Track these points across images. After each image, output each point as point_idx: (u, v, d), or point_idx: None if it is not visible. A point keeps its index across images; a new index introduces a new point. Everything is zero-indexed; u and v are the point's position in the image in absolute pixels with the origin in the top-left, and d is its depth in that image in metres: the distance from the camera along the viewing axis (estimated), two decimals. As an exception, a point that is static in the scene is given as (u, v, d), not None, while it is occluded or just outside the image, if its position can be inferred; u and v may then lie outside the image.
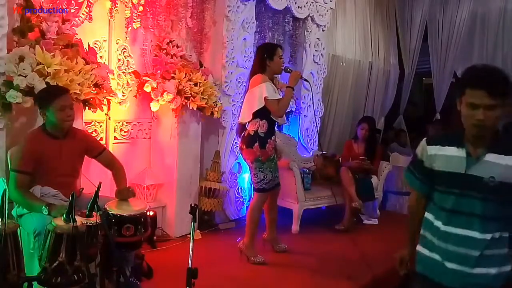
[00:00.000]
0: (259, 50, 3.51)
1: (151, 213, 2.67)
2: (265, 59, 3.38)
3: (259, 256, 3.41)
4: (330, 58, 6.12)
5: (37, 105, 2.59)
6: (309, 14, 5.11)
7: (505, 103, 1.65)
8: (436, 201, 1.83)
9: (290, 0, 4.78)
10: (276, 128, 3.58)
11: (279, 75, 3.68)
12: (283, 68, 3.49)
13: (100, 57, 3.38)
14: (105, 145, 2.95)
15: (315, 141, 5.58)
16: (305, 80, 3.76)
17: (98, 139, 3.45)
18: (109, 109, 3.27)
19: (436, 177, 1.81)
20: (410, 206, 2.05)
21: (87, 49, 3.14)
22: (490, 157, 1.69)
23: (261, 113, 3.32)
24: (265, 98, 3.26)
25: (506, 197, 1.69)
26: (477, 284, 1.73)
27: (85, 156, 2.80)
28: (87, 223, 2.18)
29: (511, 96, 1.67)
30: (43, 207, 2.33)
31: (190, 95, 3.69)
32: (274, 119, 3.37)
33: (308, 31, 5.22)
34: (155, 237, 3.53)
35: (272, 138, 3.40)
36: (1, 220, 1.95)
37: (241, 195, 4.65)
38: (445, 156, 1.78)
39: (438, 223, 1.81)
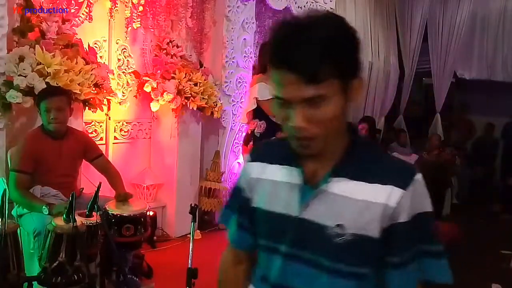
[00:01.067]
0: (260, 48, 3.47)
1: (151, 213, 2.67)
2: (262, 57, 3.32)
3: None
4: (330, 58, 6.12)
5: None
6: (309, 14, 5.10)
7: (349, 85, 0.86)
8: (260, 265, 1.03)
9: (290, 0, 4.78)
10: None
11: None
12: None
13: (100, 57, 3.38)
14: (103, 151, 2.93)
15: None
16: None
17: (98, 139, 3.45)
18: (109, 109, 3.27)
19: (257, 221, 1.01)
20: (219, 277, 1.17)
21: (87, 49, 3.14)
22: (337, 186, 0.90)
23: (259, 114, 3.28)
24: (256, 99, 3.22)
25: (363, 264, 0.90)
26: None
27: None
28: (87, 223, 2.18)
29: (356, 68, 0.88)
30: (43, 207, 2.33)
31: (190, 95, 3.69)
32: (272, 119, 3.33)
33: (308, 31, 5.21)
34: (155, 237, 3.55)
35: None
36: (1, 220, 1.95)
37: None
38: (269, 182, 0.98)
39: None
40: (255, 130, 3.29)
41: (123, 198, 2.62)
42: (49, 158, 2.55)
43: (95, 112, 3.15)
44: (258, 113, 3.29)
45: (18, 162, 2.48)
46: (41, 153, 2.53)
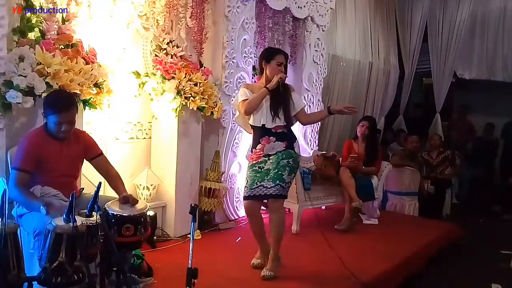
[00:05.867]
0: (261, 53, 3.42)
1: (151, 213, 2.67)
2: (261, 60, 3.23)
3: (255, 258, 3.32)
4: (330, 58, 6.13)
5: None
6: (309, 14, 5.11)
7: None
8: None
9: (290, 0, 4.78)
10: (269, 135, 3.12)
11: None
12: (278, 77, 3.06)
13: (100, 57, 3.37)
14: (103, 152, 2.91)
15: (315, 141, 5.59)
16: (288, 85, 3.24)
17: (98, 139, 3.45)
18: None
19: None
20: None
21: (87, 49, 3.14)
22: None
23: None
24: (237, 105, 3.17)
25: None
26: None
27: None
28: (87, 223, 2.18)
29: None
30: (41, 207, 2.33)
31: (190, 95, 3.69)
32: (251, 124, 3.17)
33: (308, 31, 5.22)
34: (155, 237, 3.56)
35: (258, 147, 3.16)
36: (1, 220, 1.95)
37: (241, 195, 4.65)
38: None
39: None
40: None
41: (134, 203, 2.58)
42: (51, 158, 2.55)
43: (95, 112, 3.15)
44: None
45: (19, 160, 2.48)
46: (43, 153, 2.52)
